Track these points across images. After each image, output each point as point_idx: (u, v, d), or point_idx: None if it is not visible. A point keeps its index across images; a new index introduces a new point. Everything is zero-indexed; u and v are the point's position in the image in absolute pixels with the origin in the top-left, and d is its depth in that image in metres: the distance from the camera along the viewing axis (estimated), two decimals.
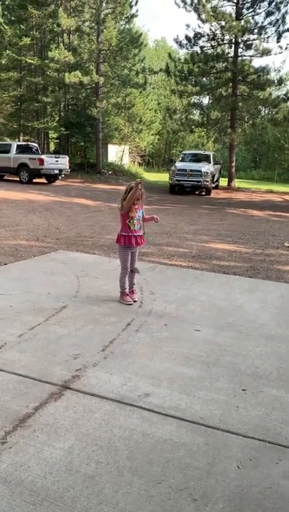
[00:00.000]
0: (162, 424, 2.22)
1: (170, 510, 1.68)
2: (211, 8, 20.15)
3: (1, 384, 2.53)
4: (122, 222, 4.04)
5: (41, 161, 17.98)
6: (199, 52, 21.48)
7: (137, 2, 23.17)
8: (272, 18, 20.42)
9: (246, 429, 2.21)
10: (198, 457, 1.99)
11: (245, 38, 20.98)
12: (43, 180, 19.36)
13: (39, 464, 1.90)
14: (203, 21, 20.67)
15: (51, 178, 19.33)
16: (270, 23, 20.56)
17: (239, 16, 20.77)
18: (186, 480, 1.85)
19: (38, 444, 2.03)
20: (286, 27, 20.51)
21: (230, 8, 21.00)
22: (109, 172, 25.62)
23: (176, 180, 18.07)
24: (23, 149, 19.55)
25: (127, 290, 4.13)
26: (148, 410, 2.33)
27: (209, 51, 21.63)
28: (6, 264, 5.39)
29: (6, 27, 23.85)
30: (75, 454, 1.98)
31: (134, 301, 4.08)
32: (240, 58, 21.35)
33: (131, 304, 4.01)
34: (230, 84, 21.82)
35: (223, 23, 20.31)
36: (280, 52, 21.82)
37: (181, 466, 1.93)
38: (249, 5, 20.86)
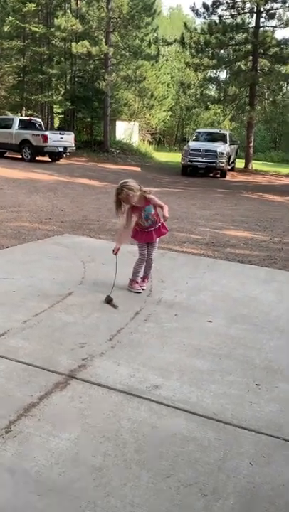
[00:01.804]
0: (172, 418, 2.27)
1: (179, 505, 1.74)
2: None
3: (4, 372, 2.60)
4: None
5: (45, 138, 17.96)
6: (217, 21, 21.15)
7: None
8: None
9: (259, 425, 2.26)
10: (209, 452, 2.04)
11: (267, 7, 20.63)
12: (47, 158, 19.36)
13: (44, 454, 1.97)
14: None
15: (55, 156, 19.32)
16: None
17: None
18: (196, 475, 1.90)
19: (43, 434, 2.09)
20: None
21: None
22: (117, 151, 25.52)
23: (189, 160, 17.96)
24: (25, 125, 19.53)
25: (139, 278, 4.15)
26: (157, 403, 2.39)
27: (228, 20, 21.31)
28: (8, 247, 5.45)
29: None
30: (82, 445, 2.04)
31: (143, 289, 4.12)
32: (261, 29, 21.01)
33: (140, 292, 4.05)
34: (250, 57, 21.52)
35: None
36: None
37: (191, 461, 1.98)
38: None
